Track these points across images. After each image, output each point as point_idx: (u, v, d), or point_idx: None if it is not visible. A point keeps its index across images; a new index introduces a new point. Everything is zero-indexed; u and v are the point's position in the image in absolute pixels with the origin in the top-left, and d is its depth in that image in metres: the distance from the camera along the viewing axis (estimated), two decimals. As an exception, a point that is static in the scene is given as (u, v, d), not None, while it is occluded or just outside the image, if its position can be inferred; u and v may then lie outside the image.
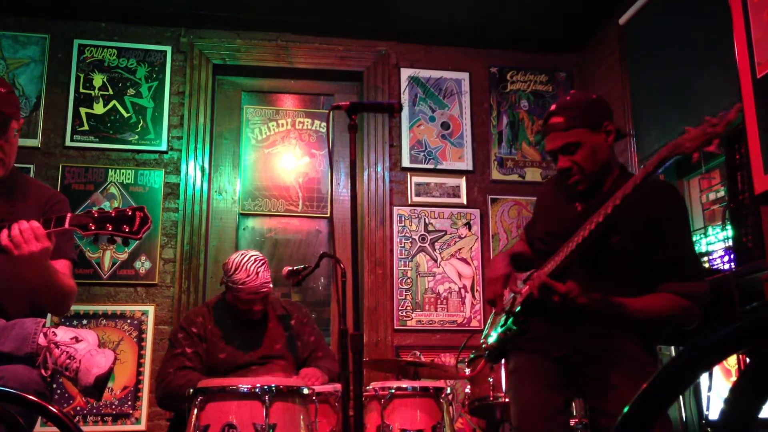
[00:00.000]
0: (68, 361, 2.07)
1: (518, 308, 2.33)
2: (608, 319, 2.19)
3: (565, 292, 2.12)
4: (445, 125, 4.88)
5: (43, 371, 2.08)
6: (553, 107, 2.31)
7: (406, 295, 4.57)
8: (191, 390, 2.47)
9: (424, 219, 4.70)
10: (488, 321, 2.52)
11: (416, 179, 4.76)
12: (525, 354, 2.37)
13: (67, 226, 2.12)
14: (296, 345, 3.35)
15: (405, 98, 4.86)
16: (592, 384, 2.26)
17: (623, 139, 4.24)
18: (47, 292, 2.25)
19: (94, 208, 2.16)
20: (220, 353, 3.20)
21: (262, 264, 3.22)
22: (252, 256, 3.24)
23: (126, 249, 4.34)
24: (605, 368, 2.20)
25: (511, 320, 2.35)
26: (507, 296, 2.40)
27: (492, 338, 2.42)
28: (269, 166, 4.84)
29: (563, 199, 2.40)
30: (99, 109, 4.54)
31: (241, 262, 3.19)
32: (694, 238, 3.89)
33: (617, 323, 2.19)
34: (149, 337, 4.25)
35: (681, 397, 3.60)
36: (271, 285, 3.26)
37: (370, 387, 2.93)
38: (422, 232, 4.68)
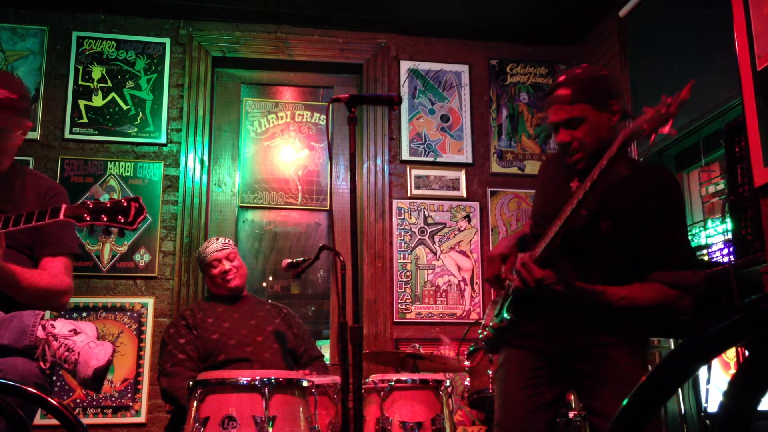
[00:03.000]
0: (67, 353, 2.07)
1: (511, 296, 2.32)
2: (591, 309, 2.16)
3: (539, 278, 2.10)
4: (444, 118, 4.87)
5: (42, 363, 2.08)
6: (561, 78, 2.25)
7: (405, 287, 4.58)
8: (191, 382, 2.47)
9: (424, 212, 4.70)
10: (486, 311, 2.51)
11: (416, 172, 4.76)
12: (515, 349, 2.35)
13: (62, 217, 2.11)
14: (286, 334, 3.41)
15: (404, 91, 4.86)
16: (581, 381, 2.24)
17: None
18: (17, 295, 2.23)
19: (90, 200, 2.15)
20: (212, 334, 3.26)
21: (223, 237, 3.58)
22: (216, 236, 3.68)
23: (125, 241, 4.34)
24: (592, 365, 2.18)
25: (505, 309, 2.34)
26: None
27: (489, 329, 2.41)
28: (269, 159, 4.84)
29: (559, 179, 2.36)
30: (98, 101, 4.53)
31: (206, 241, 3.62)
32: (688, 227, 3.90)
33: (601, 313, 2.16)
34: (149, 329, 4.26)
35: (680, 390, 3.61)
36: (234, 249, 3.52)
37: (370, 379, 2.94)
38: (422, 225, 4.68)
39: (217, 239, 3.52)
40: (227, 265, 3.43)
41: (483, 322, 2.48)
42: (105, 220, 2.11)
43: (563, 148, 2.24)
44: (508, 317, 2.30)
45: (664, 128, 1.96)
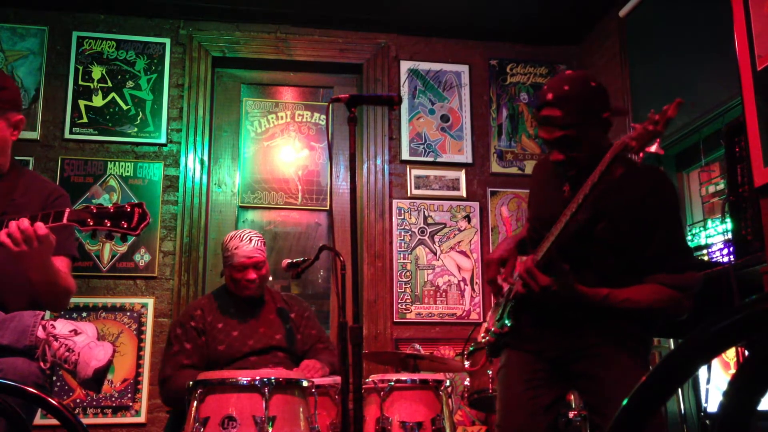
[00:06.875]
0: (67, 353, 2.07)
1: (512, 301, 2.31)
2: (592, 312, 2.16)
3: (545, 285, 2.10)
4: (444, 118, 4.87)
5: (42, 364, 2.08)
6: (549, 96, 2.13)
7: (405, 287, 4.58)
8: (191, 382, 2.47)
9: (424, 212, 4.70)
10: (489, 314, 2.51)
11: (416, 172, 4.76)
12: (516, 352, 2.35)
13: (65, 221, 2.11)
14: (296, 338, 3.35)
15: (404, 91, 4.86)
16: (581, 381, 2.24)
17: (624, 132, 4.25)
18: (47, 290, 2.25)
19: (93, 203, 2.16)
20: (219, 345, 3.19)
21: (256, 235, 3.31)
22: (246, 229, 3.39)
23: (125, 242, 4.33)
24: (592, 365, 2.18)
25: (506, 315, 2.34)
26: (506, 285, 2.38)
27: (491, 333, 2.41)
28: (269, 159, 4.84)
29: (553, 183, 2.34)
30: (98, 101, 4.53)
31: (235, 233, 3.33)
32: (688, 227, 3.91)
33: (600, 315, 2.16)
34: (149, 329, 4.26)
35: (680, 390, 3.61)
36: (265, 254, 3.30)
37: (370, 379, 2.93)
38: (422, 225, 4.68)
39: (250, 240, 3.23)
40: (253, 274, 3.23)
41: (486, 325, 2.47)
42: (108, 225, 2.11)
43: (557, 166, 2.21)
44: (509, 323, 2.30)
45: (651, 147, 1.93)
